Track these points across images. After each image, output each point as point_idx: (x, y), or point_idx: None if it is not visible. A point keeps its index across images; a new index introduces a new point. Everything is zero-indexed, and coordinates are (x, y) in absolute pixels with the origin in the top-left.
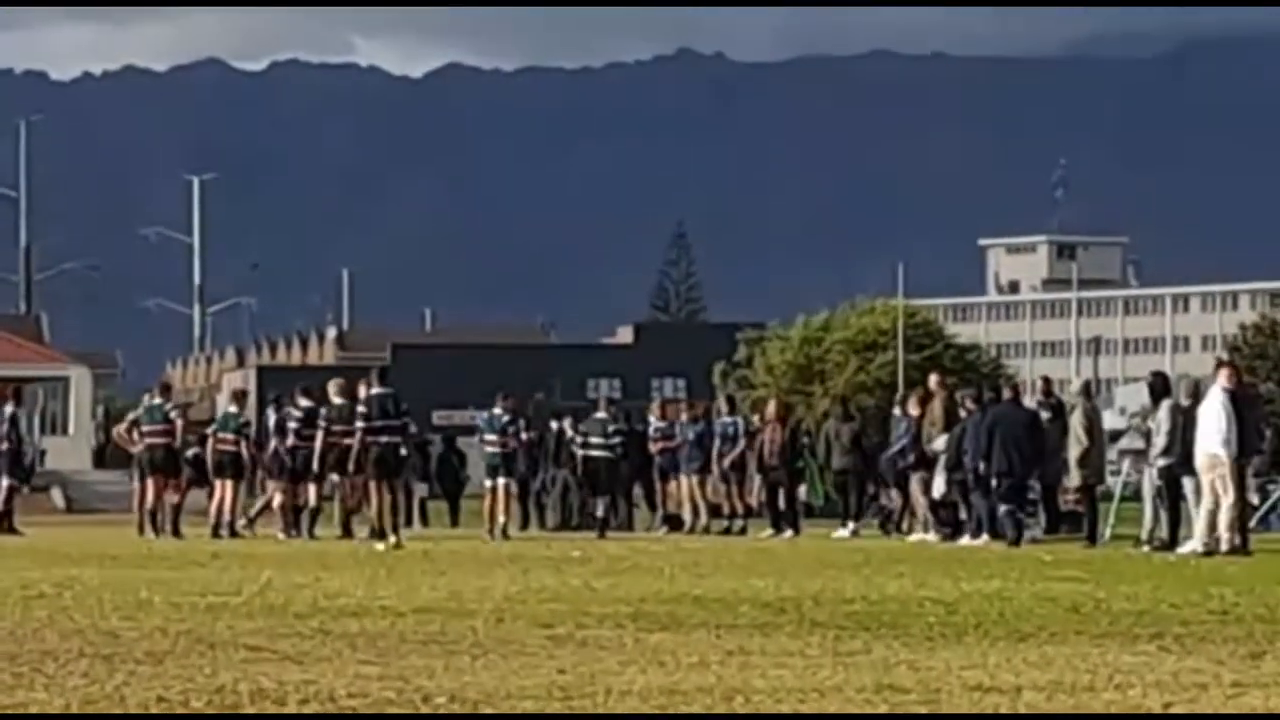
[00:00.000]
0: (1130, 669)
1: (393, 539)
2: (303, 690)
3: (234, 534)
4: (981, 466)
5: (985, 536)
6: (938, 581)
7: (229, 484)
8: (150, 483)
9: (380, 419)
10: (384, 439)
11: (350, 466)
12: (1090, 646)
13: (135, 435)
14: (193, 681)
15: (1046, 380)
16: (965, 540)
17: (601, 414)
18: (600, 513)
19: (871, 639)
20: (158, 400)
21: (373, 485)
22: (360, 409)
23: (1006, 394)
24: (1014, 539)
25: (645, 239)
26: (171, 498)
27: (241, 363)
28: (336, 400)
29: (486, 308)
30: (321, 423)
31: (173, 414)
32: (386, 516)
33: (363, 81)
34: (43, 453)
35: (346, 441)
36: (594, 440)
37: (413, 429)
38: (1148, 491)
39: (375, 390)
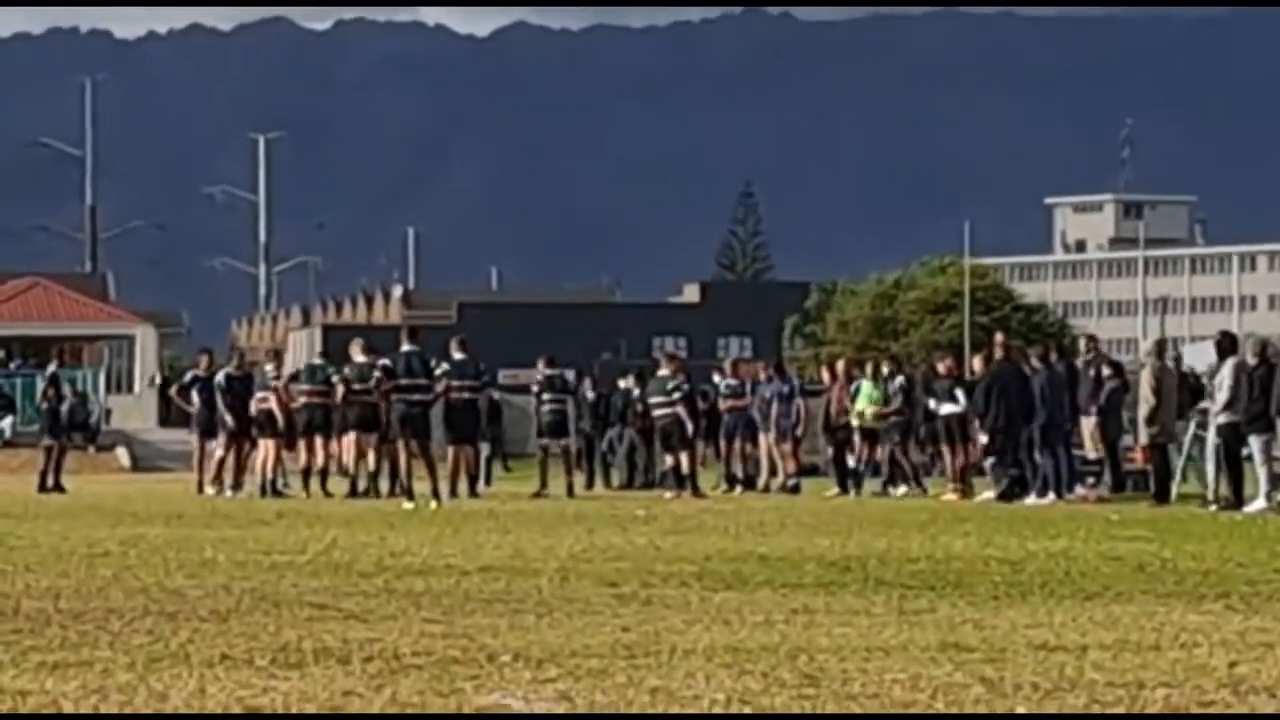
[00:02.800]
0: (1196, 628)
1: (433, 503)
2: (367, 648)
3: (276, 492)
4: (977, 423)
5: (1051, 495)
6: (1003, 540)
7: (271, 442)
8: (303, 442)
9: (407, 377)
10: (412, 398)
11: (338, 422)
12: (1156, 605)
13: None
14: (257, 639)
15: (1092, 338)
16: (1030, 499)
17: (664, 371)
18: (686, 468)
19: (936, 598)
20: (318, 361)
21: (399, 444)
22: (384, 363)
23: (998, 354)
24: (1004, 493)
25: (713, 198)
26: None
27: (307, 321)
28: (359, 359)
29: (552, 267)
30: (337, 381)
31: (334, 376)
32: (408, 477)
33: (429, 40)
34: (108, 411)
35: (367, 399)
36: (658, 399)
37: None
38: (1210, 450)
39: (404, 348)
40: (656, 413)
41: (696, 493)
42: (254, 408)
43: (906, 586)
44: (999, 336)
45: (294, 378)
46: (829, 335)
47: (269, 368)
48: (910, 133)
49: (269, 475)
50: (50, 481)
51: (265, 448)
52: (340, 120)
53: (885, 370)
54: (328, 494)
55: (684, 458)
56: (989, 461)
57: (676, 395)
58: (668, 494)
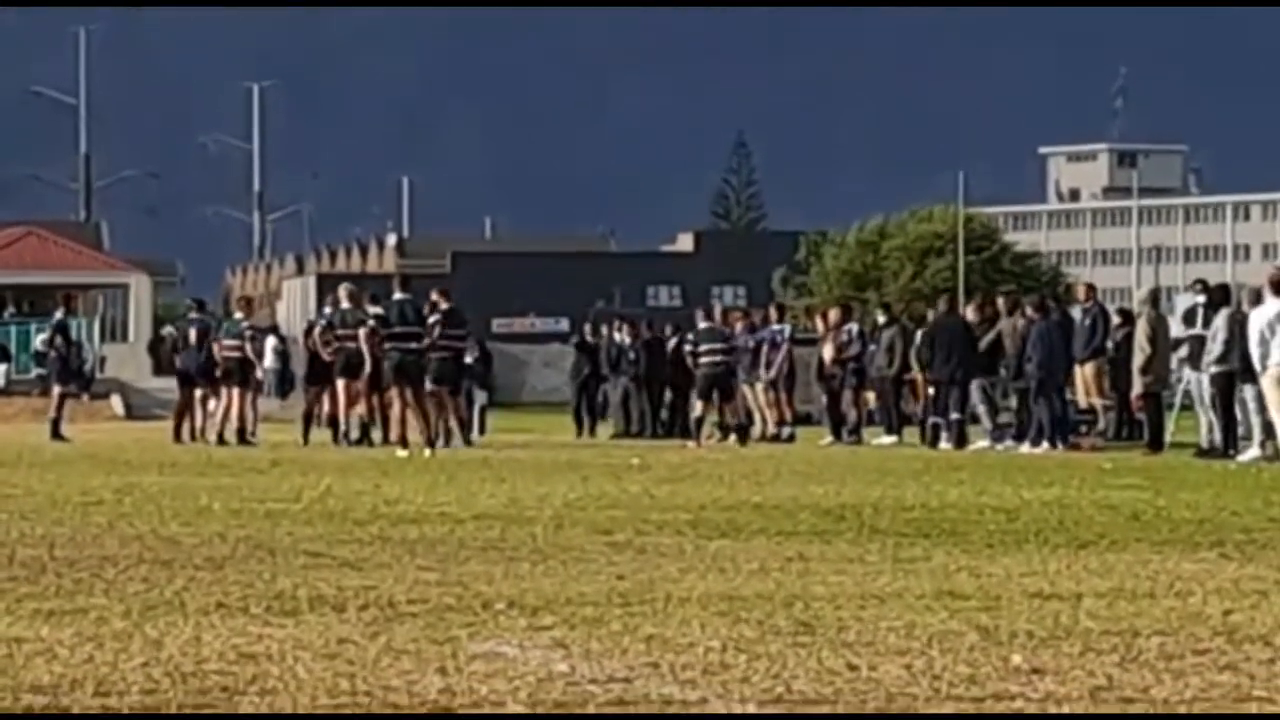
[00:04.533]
0: (1191, 576)
1: (427, 450)
2: (362, 596)
3: (243, 440)
4: (920, 376)
5: (1045, 444)
6: (998, 489)
7: (235, 390)
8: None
9: (400, 325)
10: (406, 346)
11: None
12: (1151, 554)
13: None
14: (252, 587)
15: (1090, 286)
16: (1025, 448)
17: (705, 324)
18: (730, 420)
19: (931, 546)
20: (346, 305)
21: (393, 393)
22: (377, 311)
23: (942, 305)
24: (958, 444)
25: (707, 148)
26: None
27: (301, 270)
28: (345, 305)
29: (547, 215)
30: (320, 326)
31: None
32: (402, 425)
33: None
34: (103, 360)
35: (352, 346)
36: (712, 348)
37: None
38: (1201, 398)
39: (396, 296)
40: (708, 360)
41: (698, 441)
42: (219, 355)
43: (901, 534)
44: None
45: (329, 326)
46: (814, 285)
47: (238, 315)
48: (905, 82)
49: (235, 424)
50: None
51: (230, 396)
52: (336, 69)
53: (839, 316)
54: (350, 442)
55: (727, 408)
56: (953, 417)
57: (738, 343)
58: (709, 440)
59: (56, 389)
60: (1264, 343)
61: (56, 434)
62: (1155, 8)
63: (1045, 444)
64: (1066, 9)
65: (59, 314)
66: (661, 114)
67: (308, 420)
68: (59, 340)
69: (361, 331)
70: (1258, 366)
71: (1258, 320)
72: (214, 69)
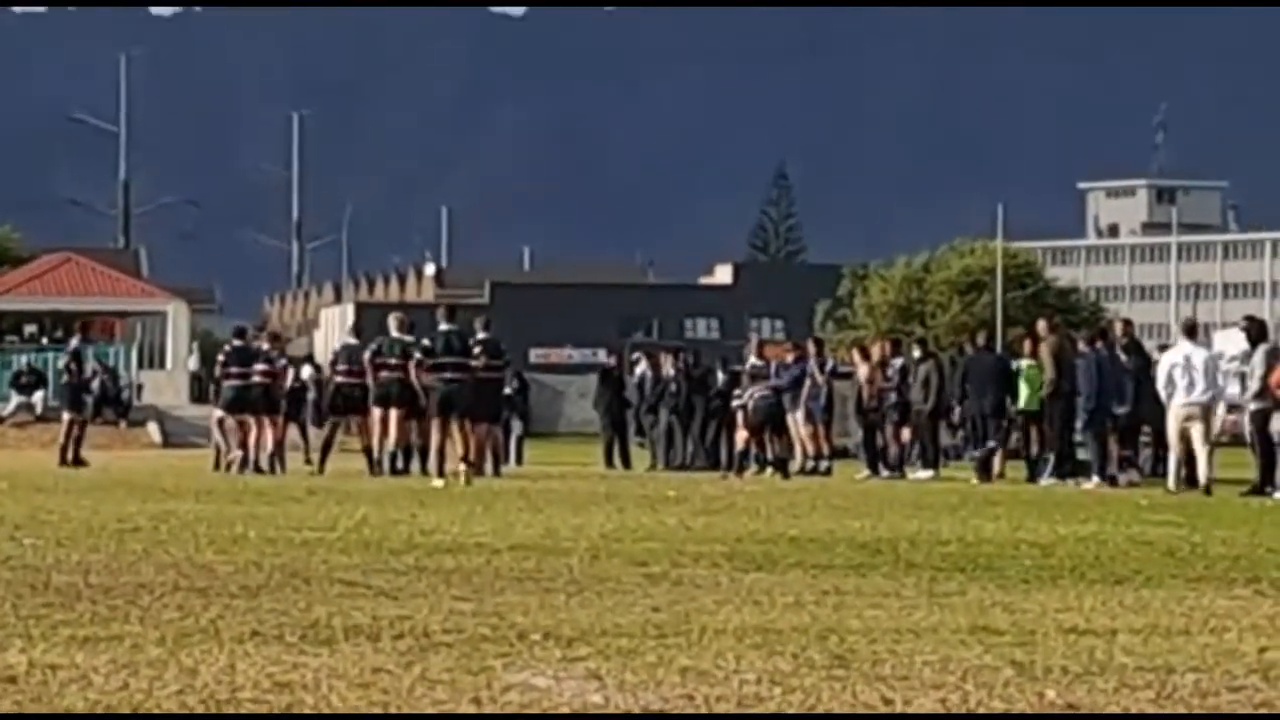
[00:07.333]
0: (1226, 613)
1: (463, 479)
2: (397, 625)
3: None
4: (956, 411)
5: (1096, 479)
6: (1034, 524)
7: (265, 418)
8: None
9: (446, 355)
10: (448, 375)
11: (368, 401)
12: (1186, 590)
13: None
14: (287, 615)
15: (1127, 322)
16: (1089, 484)
17: (757, 360)
18: (776, 452)
19: (967, 580)
20: (395, 334)
21: (434, 423)
22: (424, 343)
23: (979, 341)
24: (983, 478)
25: (746, 176)
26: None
27: (339, 298)
28: (395, 334)
29: (585, 244)
30: (367, 356)
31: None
32: (440, 455)
33: (463, 15)
34: (140, 387)
35: (384, 375)
36: (762, 387)
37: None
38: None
39: (443, 326)
40: (761, 395)
41: (739, 474)
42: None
43: (937, 569)
44: (1043, 321)
45: (377, 353)
46: (858, 319)
47: (265, 346)
48: (943, 113)
49: (269, 450)
50: (70, 455)
51: (261, 425)
52: (373, 96)
53: (887, 350)
54: (389, 472)
55: (778, 441)
56: (976, 451)
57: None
58: (749, 474)
59: (66, 416)
60: (1171, 384)
61: (66, 460)
62: (1195, 41)
63: (1095, 479)
64: (1108, 45)
65: (75, 340)
66: (701, 144)
67: (325, 450)
68: (73, 366)
69: (410, 363)
70: (1165, 403)
71: (1166, 363)
72: (252, 95)
